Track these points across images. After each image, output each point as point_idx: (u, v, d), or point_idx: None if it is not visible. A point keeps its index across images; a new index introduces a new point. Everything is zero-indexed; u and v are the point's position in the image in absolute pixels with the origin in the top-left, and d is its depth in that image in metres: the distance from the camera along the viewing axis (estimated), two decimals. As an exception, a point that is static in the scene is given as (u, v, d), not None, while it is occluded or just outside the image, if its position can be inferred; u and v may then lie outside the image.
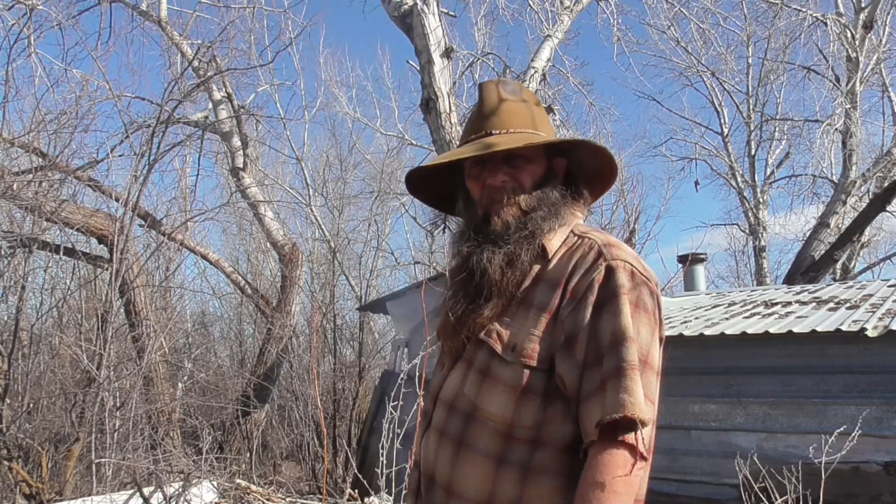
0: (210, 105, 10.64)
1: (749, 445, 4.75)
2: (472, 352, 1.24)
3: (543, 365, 1.16)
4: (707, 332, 5.02)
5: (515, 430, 1.16)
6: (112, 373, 6.02)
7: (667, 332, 4.90)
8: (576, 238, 1.25)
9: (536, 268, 1.23)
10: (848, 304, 5.73)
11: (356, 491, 5.84)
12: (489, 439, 1.17)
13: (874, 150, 13.63)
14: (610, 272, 1.16)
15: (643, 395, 1.08)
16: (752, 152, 15.47)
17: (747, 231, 15.80)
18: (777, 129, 15.46)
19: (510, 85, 1.36)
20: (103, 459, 5.43)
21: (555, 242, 1.25)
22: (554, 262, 1.23)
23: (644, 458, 1.10)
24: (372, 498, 5.59)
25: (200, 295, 13.15)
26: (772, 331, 4.76)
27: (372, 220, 14.13)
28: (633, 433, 1.07)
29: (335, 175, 15.37)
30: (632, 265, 1.17)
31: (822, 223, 11.51)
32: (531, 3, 10.72)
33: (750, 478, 4.18)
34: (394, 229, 20.02)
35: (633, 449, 1.08)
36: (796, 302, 6.30)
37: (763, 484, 4.08)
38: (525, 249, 1.23)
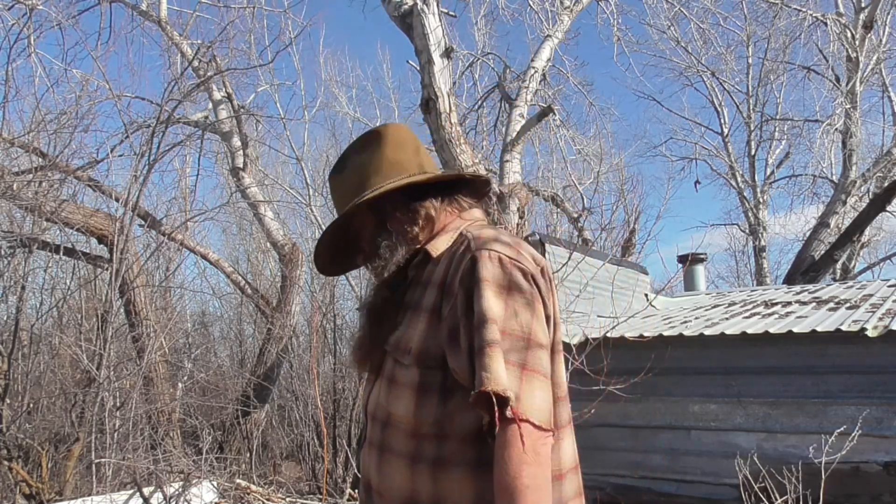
0: (210, 105, 10.64)
1: (749, 445, 4.75)
2: (384, 364, 1.32)
3: (435, 362, 1.21)
4: (707, 332, 5.02)
5: (421, 428, 1.20)
6: (112, 373, 6.02)
7: (667, 332, 4.90)
8: (460, 237, 1.31)
9: (427, 275, 1.30)
10: (848, 304, 5.73)
11: (356, 491, 5.84)
12: (402, 441, 1.22)
13: (874, 150, 13.64)
14: (474, 262, 1.20)
15: (501, 370, 1.10)
16: (752, 152, 15.48)
17: (747, 231, 15.80)
18: (777, 129, 15.46)
19: (344, 157, 1.49)
20: (103, 459, 5.43)
21: (439, 246, 1.31)
22: (438, 265, 1.29)
23: (541, 429, 1.11)
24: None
25: (200, 295, 13.15)
26: (772, 331, 4.76)
27: (372, 220, 14.10)
28: (507, 408, 1.08)
29: (335, 175, 15.36)
30: (498, 252, 1.20)
31: (822, 223, 11.51)
32: (531, 3, 10.72)
33: (750, 478, 4.18)
34: (394, 229, 19.99)
35: (515, 422, 1.09)
36: (796, 302, 6.30)
37: (763, 484, 4.08)
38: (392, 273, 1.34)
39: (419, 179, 1.37)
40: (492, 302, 1.15)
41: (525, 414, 1.09)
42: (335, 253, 1.49)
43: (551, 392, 1.16)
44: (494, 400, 1.08)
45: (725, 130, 15.90)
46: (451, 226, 1.36)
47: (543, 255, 5.89)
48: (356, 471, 5.51)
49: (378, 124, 1.69)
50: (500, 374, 1.09)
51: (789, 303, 6.30)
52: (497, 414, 1.08)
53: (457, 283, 1.21)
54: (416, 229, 1.35)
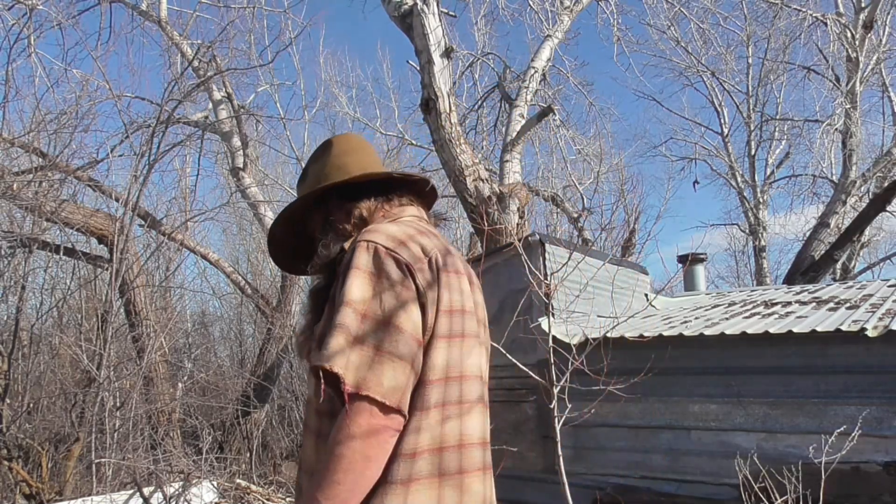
0: (210, 105, 10.64)
1: (749, 445, 4.75)
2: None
3: None
4: (707, 332, 5.02)
5: (321, 407, 1.26)
6: (112, 373, 6.02)
7: (667, 332, 4.89)
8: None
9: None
10: (848, 304, 5.73)
11: None
12: (312, 418, 1.32)
13: (874, 150, 13.64)
14: (352, 251, 1.28)
15: (336, 348, 1.17)
16: (752, 152, 15.48)
17: (747, 231, 15.80)
18: (777, 129, 15.46)
19: (305, 167, 1.61)
20: (103, 459, 5.43)
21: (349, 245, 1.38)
22: None
23: (384, 406, 1.16)
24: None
25: (200, 295, 13.16)
26: (772, 331, 4.76)
27: (372, 220, 14.11)
28: (341, 384, 1.15)
29: (335, 175, 15.35)
30: (376, 242, 1.27)
31: (822, 223, 11.51)
32: (531, 3, 10.72)
33: (750, 478, 4.18)
34: (394, 229, 19.97)
35: (357, 397, 1.15)
36: (796, 302, 6.30)
37: (763, 484, 4.08)
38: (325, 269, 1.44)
39: (341, 180, 1.44)
40: (354, 287, 1.22)
41: (367, 391, 1.15)
42: (299, 252, 1.59)
43: (407, 373, 1.20)
44: (321, 374, 1.17)
45: (725, 130, 15.90)
46: (378, 223, 1.41)
47: (543, 255, 5.89)
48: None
49: (334, 135, 2.00)
50: (333, 351, 1.16)
51: (789, 303, 6.30)
52: (342, 388, 1.16)
53: (340, 272, 1.29)
54: (349, 227, 1.43)
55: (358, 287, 1.22)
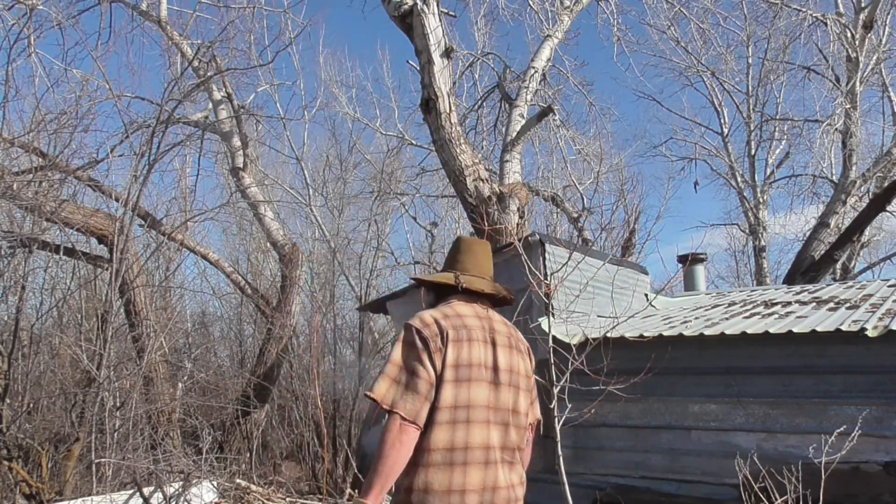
0: (210, 105, 10.64)
1: (749, 445, 4.75)
2: None
3: None
4: (707, 332, 5.02)
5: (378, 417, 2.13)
6: (112, 373, 6.02)
7: (667, 332, 4.89)
8: None
9: None
10: (848, 304, 5.73)
11: (356, 491, 5.83)
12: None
13: (874, 150, 13.64)
14: (402, 328, 2.11)
15: (381, 385, 1.98)
16: (752, 152, 15.47)
17: (747, 231, 15.80)
18: (777, 129, 15.46)
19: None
20: (103, 459, 5.43)
21: None
22: None
23: (405, 420, 1.93)
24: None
25: (200, 295, 13.16)
26: (772, 331, 4.75)
27: (372, 220, 14.10)
28: (382, 405, 1.96)
29: (335, 175, 15.36)
30: (412, 324, 2.07)
31: (822, 223, 11.51)
32: (531, 3, 10.73)
33: (750, 478, 4.18)
34: (394, 229, 20.01)
35: (390, 412, 1.95)
36: (796, 302, 6.30)
37: (763, 484, 4.08)
38: None
39: (422, 278, 2.42)
40: (395, 350, 2.05)
41: (397, 409, 1.94)
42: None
43: (422, 402, 1.95)
44: (372, 398, 1.97)
45: (725, 130, 15.90)
46: (426, 309, 2.22)
47: (543, 255, 5.90)
48: (356, 471, 5.51)
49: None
50: (379, 385, 1.98)
51: (789, 303, 6.30)
52: (380, 406, 1.96)
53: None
54: (424, 304, 2.33)
55: (397, 350, 2.04)
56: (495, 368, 2.09)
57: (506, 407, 2.08)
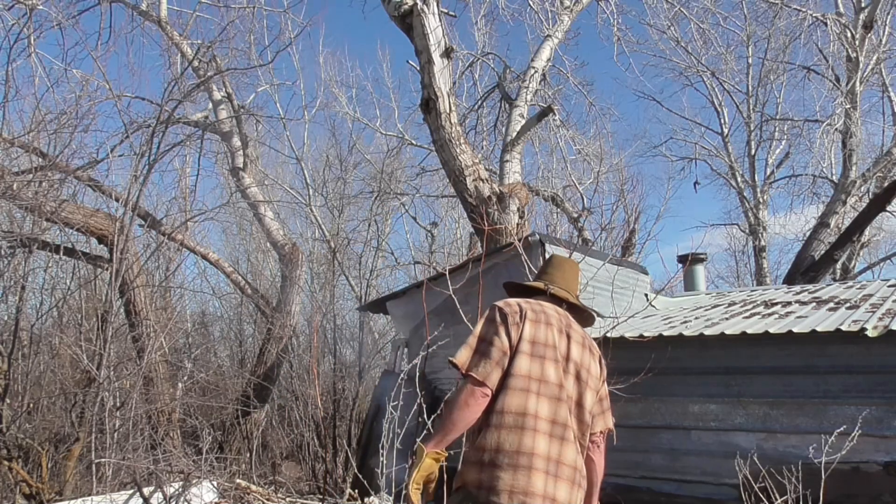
0: (210, 105, 10.65)
1: (749, 445, 4.74)
2: None
3: None
4: (707, 332, 5.01)
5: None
6: (112, 373, 6.01)
7: (667, 332, 4.88)
8: None
9: None
10: (848, 304, 5.73)
11: (356, 491, 5.83)
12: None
13: (874, 150, 13.64)
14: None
15: (462, 352, 2.18)
16: (752, 152, 15.47)
17: (747, 231, 15.79)
18: (777, 129, 15.45)
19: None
20: (103, 459, 5.43)
21: None
22: None
23: (473, 380, 2.11)
24: (372, 498, 5.59)
25: (200, 295, 13.15)
26: (772, 331, 4.75)
27: (372, 220, 14.12)
28: (460, 368, 2.15)
29: (335, 175, 15.36)
30: (496, 304, 2.27)
31: (822, 223, 11.50)
32: (531, 3, 10.73)
33: (750, 478, 4.18)
34: (394, 229, 20.02)
35: (464, 375, 2.14)
36: (796, 302, 6.30)
37: (763, 484, 4.08)
38: None
39: (531, 285, 2.53)
40: (479, 324, 2.26)
41: (470, 372, 2.12)
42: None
43: (493, 367, 2.11)
44: (453, 364, 2.17)
45: (725, 130, 15.89)
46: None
47: (543, 255, 5.90)
48: (356, 471, 5.51)
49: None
50: (460, 353, 2.17)
51: (789, 303, 6.30)
52: (460, 371, 2.15)
53: None
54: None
55: (479, 325, 2.24)
56: (567, 357, 2.22)
57: (574, 397, 2.19)
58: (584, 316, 2.51)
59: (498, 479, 2.00)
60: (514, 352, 2.14)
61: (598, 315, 2.63)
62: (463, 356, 2.15)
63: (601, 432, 2.33)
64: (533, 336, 2.16)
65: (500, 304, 2.25)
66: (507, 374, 2.11)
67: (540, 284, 2.44)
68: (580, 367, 2.23)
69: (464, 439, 2.21)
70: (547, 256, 5.94)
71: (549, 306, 2.31)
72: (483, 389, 2.08)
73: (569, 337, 2.25)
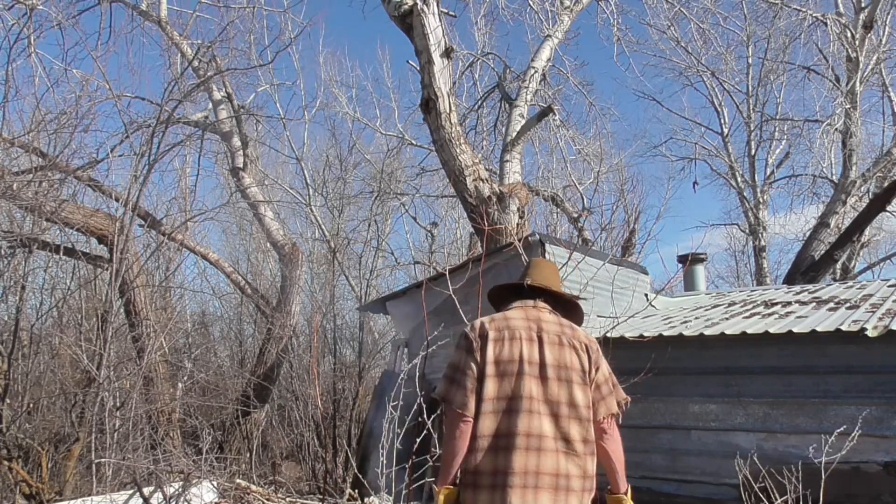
0: (210, 105, 10.64)
1: (749, 445, 4.74)
2: None
3: None
4: (707, 332, 5.01)
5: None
6: (112, 373, 6.01)
7: (667, 332, 4.88)
8: None
9: None
10: (848, 304, 5.73)
11: (356, 491, 5.84)
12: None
13: (874, 150, 13.64)
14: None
15: (441, 385, 2.33)
16: (752, 152, 15.47)
17: (747, 231, 15.79)
18: (777, 129, 15.45)
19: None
20: (103, 459, 5.43)
21: None
22: None
23: (452, 412, 2.26)
24: (372, 498, 5.59)
25: (200, 295, 13.15)
26: (772, 331, 4.75)
27: (372, 220, 14.11)
28: (442, 401, 2.31)
29: (335, 175, 15.36)
30: (465, 330, 2.38)
31: (822, 223, 11.50)
32: (531, 3, 10.73)
33: (750, 478, 4.18)
34: (394, 229, 20.03)
35: (447, 407, 2.29)
36: (796, 302, 6.30)
37: (763, 484, 4.08)
38: None
39: (512, 284, 2.63)
40: (453, 353, 2.37)
41: (450, 403, 2.26)
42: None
43: (468, 395, 2.24)
44: (437, 399, 2.33)
45: (725, 130, 15.89)
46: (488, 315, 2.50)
47: (543, 255, 5.90)
48: (356, 471, 5.51)
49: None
50: (440, 386, 2.33)
51: (789, 303, 6.29)
52: (442, 404, 2.31)
53: None
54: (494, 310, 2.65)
55: (454, 354, 2.36)
56: (542, 364, 2.28)
57: (556, 399, 2.25)
58: (569, 309, 2.55)
59: (479, 500, 2.20)
60: (482, 375, 2.26)
61: (581, 300, 2.64)
62: (442, 389, 2.30)
63: (605, 418, 2.34)
64: (496, 356, 2.27)
65: (466, 329, 2.37)
66: (478, 399, 2.24)
67: (513, 284, 2.56)
68: (559, 368, 2.28)
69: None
70: (546, 257, 5.95)
71: (516, 316, 2.39)
72: (464, 417, 2.23)
73: (540, 341, 2.32)
